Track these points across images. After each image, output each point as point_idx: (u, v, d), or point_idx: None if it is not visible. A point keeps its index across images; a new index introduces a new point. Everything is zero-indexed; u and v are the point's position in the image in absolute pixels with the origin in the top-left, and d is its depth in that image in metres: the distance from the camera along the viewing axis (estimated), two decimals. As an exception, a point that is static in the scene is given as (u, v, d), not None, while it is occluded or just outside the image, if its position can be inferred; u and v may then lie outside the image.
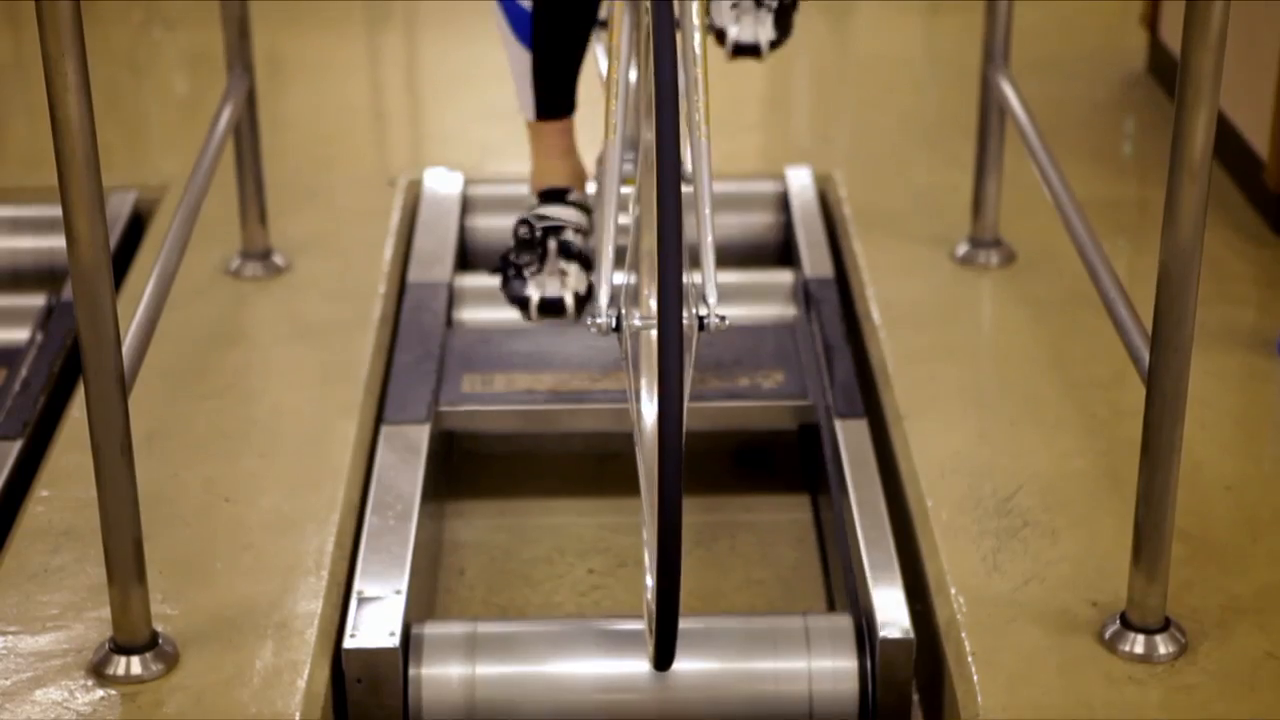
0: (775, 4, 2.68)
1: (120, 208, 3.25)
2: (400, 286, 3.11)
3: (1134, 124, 3.65)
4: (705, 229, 2.04)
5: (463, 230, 3.33)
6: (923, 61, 4.06)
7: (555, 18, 2.55)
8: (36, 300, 2.97)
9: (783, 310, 3.13)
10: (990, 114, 3.02)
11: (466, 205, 3.37)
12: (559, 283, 2.59)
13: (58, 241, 2.90)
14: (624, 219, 2.29)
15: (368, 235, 3.22)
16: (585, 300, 2.61)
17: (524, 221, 2.63)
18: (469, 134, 3.66)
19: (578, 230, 2.63)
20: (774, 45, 2.70)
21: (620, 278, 2.23)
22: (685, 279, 1.87)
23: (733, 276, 3.20)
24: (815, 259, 3.14)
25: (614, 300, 2.07)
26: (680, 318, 1.85)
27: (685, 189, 2.05)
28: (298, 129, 3.65)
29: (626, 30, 2.06)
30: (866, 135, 3.64)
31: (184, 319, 2.88)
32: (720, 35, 2.69)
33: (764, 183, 3.44)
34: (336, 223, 3.27)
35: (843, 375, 2.79)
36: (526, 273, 2.60)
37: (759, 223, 3.40)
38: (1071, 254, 2.54)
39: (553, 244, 2.59)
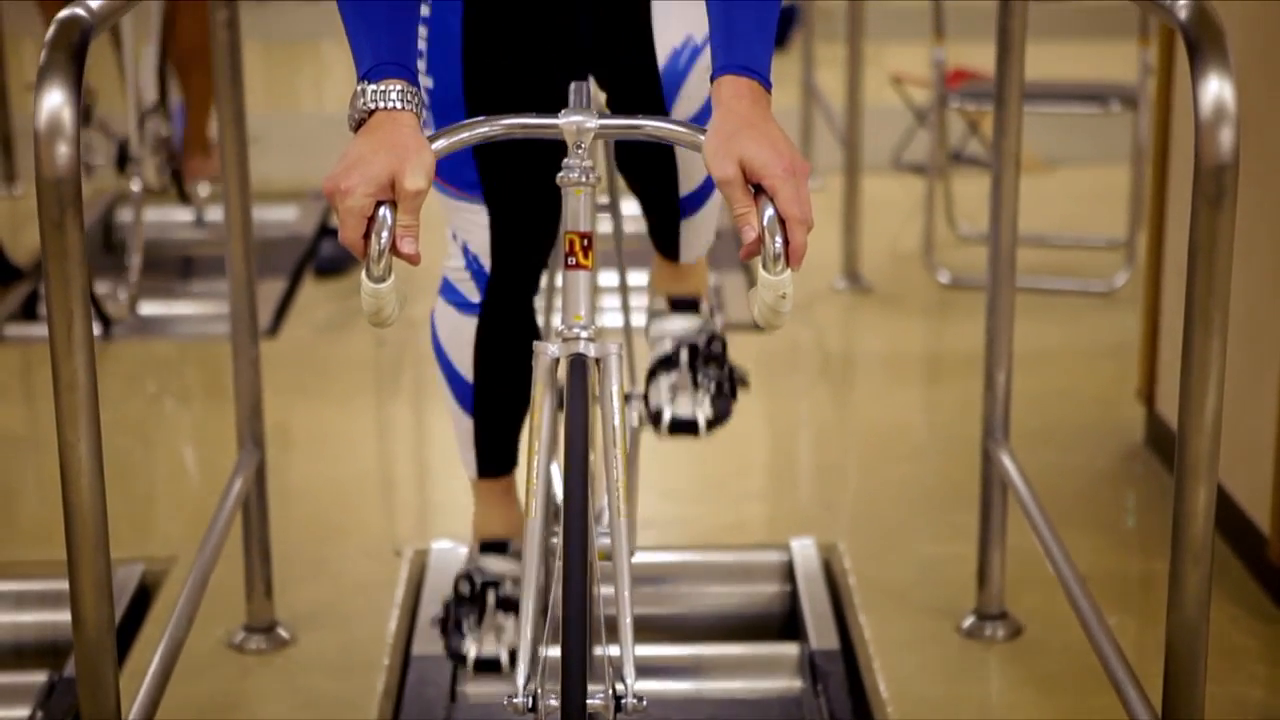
0: (712, 387, 2.71)
1: (127, 580, 3.25)
2: (404, 659, 3.09)
3: (1134, 496, 3.68)
4: (624, 608, 2.02)
5: (467, 602, 3.32)
6: (923, 431, 4.11)
7: (495, 391, 2.65)
8: (38, 677, 2.95)
9: (789, 684, 3.11)
10: (992, 487, 3.04)
11: (471, 576, 3.38)
12: (494, 639, 2.65)
13: (62, 615, 2.90)
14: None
15: (373, 607, 3.22)
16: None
17: (465, 576, 2.69)
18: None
19: (516, 582, 2.68)
20: (712, 425, 2.71)
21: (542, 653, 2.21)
22: (602, 654, 1.88)
23: (737, 649, 3.19)
24: (821, 631, 3.13)
25: (532, 677, 2.05)
26: (583, 696, 1.84)
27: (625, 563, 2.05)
28: (305, 499, 3.67)
29: (548, 412, 2.09)
30: (870, 505, 3.66)
31: (185, 694, 2.85)
32: (656, 417, 2.72)
33: (768, 553, 3.44)
34: (342, 594, 3.28)
35: (850, 752, 2.76)
36: (465, 627, 2.67)
37: (763, 594, 3.40)
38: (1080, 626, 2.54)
39: (491, 599, 2.66)
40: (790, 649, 3.19)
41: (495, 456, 2.72)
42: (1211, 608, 2.03)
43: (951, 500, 3.59)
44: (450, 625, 2.68)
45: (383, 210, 1.86)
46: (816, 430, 4.14)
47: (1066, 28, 7.32)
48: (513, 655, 2.64)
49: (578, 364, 2.03)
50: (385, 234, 1.85)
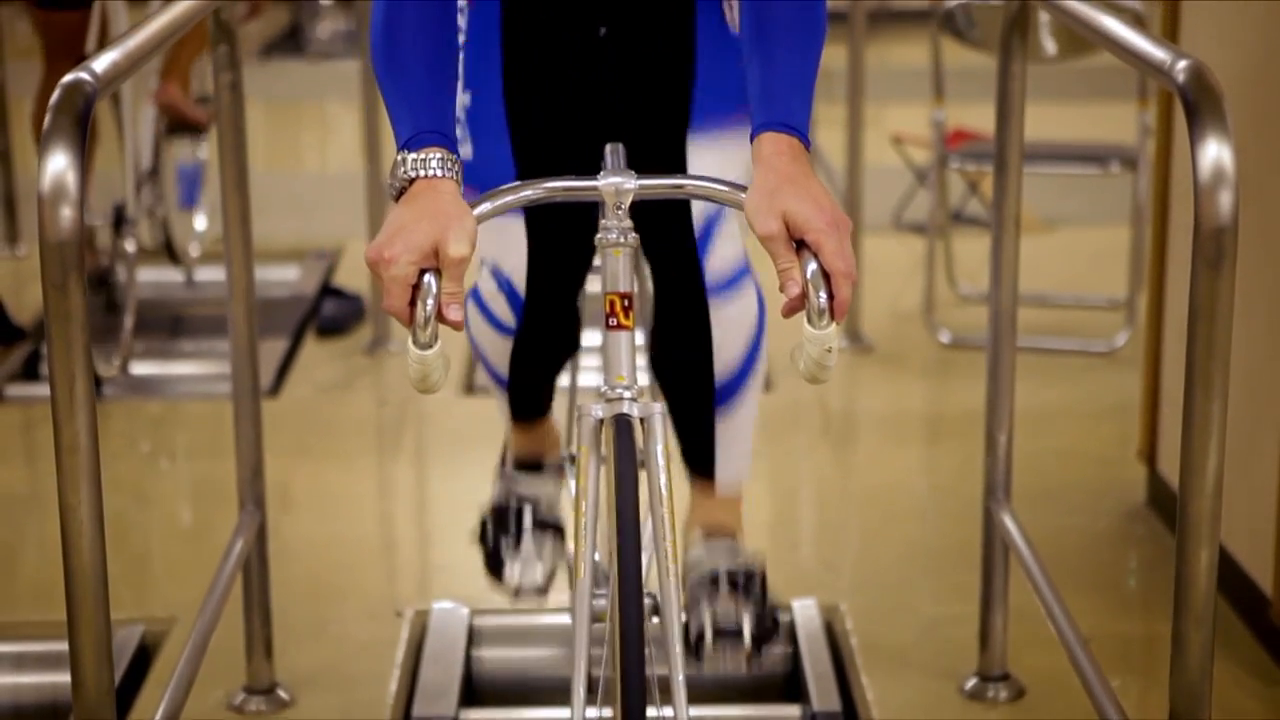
0: (753, 613, 2.58)
1: (127, 642, 3.24)
2: (405, 721, 3.08)
3: (1136, 557, 3.67)
4: (676, 668, 2.02)
5: (469, 662, 3.31)
6: (924, 491, 4.11)
7: (532, 387, 2.72)
8: (37, 738, 2.95)
9: (791, 746, 3.10)
10: (994, 548, 3.04)
11: (473, 637, 3.37)
12: (534, 564, 2.73)
13: (62, 677, 2.89)
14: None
15: (373, 668, 3.21)
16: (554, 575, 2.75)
17: (501, 496, 2.77)
18: (477, 565, 3.66)
19: (551, 505, 2.76)
20: (757, 643, 2.57)
21: (593, 713, 2.20)
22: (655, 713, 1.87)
23: (739, 710, 3.18)
24: (823, 692, 3.12)
25: None
26: None
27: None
28: (306, 560, 3.67)
29: (593, 473, 2.09)
30: (871, 566, 3.66)
31: (185, 757, 2.84)
32: (698, 640, 2.57)
33: (770, 614, 3.43)
34: (342, 655, 3.27)
35: (853, 815, 2.75)
36: (504, 550, 2.74)
37: (765, 656, 3.38)
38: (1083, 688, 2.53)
39: (528, 520, 2.73)
40: (792, 710, 3.18)
41: (531, 408, 2.77)
42: (1214, 669, 2.02)
43: (953, 561, 3.59)
44: (489, 543, 2.76)
45: (427, 278, 1.87)
46: (818, 490, 4.14)
47: (1066, 89, 7.36)
48: (552, 575, 2.74)
49: (623, 425, 2.03)
50: (430, 301, 1.86)
